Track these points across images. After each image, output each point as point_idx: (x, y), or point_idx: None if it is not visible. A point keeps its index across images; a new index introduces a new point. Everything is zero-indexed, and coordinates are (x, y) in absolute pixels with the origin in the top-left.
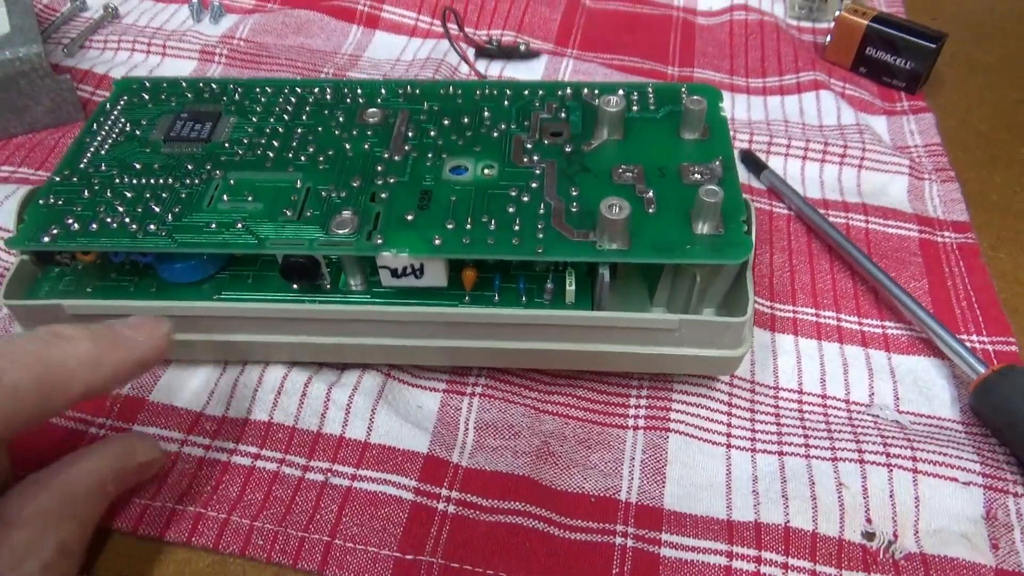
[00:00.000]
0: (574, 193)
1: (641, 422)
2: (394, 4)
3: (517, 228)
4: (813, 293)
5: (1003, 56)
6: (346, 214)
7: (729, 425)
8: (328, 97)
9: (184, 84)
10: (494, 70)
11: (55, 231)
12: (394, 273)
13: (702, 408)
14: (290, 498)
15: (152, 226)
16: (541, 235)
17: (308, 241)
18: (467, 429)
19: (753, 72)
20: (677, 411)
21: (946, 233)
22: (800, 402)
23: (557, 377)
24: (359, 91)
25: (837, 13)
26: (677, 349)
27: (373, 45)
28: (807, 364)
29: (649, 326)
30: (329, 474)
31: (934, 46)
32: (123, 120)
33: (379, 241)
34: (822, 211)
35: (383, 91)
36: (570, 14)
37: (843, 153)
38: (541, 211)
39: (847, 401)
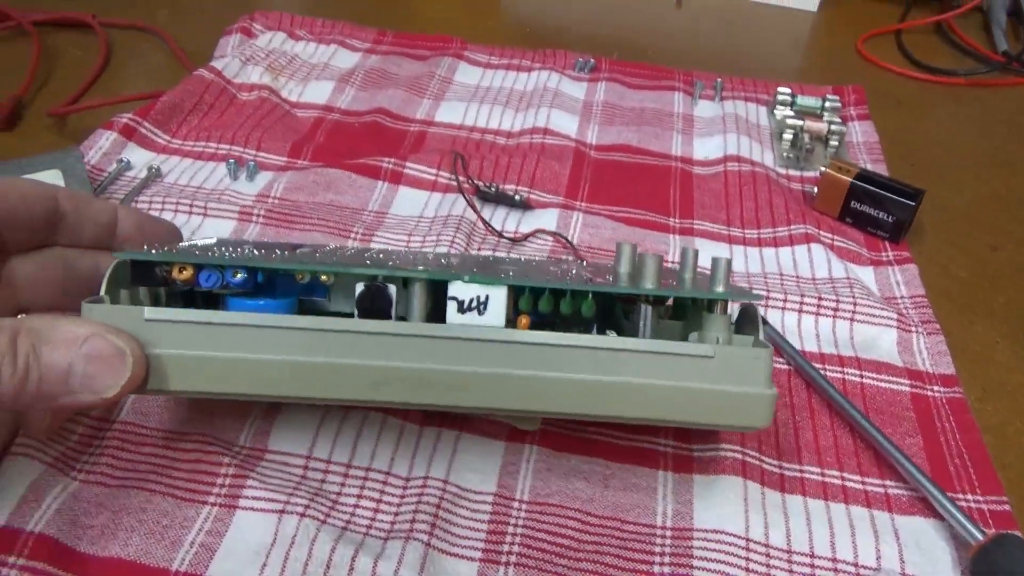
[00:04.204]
0: (607, 277)
1: None
2: (415, 161)
3: (569, 279)
4: (817, 451)
5: (975, 201)
6: (420, 266)
7: None
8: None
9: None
10: (511, 224)
11: (159, 249)
12: (460, 307)
13: (721, 575)
14: None
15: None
16: (586, 278)
17: (388, 266)
18: None
19: (748, 223)
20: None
21: (935, 387)
22: (812, 566)
23: (584, 543)
24: (410, 255)
25: (823, 169)
26: (711, 384)
27: (397, 201)
28: (816, 526)
29: (687, 351)
30: None
31: (913, 203)
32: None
33: (453, 269)
34: (819, 365)
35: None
36: (577, 167)
37: (836, 307)
38: (585, 277)
39: (856, 565)
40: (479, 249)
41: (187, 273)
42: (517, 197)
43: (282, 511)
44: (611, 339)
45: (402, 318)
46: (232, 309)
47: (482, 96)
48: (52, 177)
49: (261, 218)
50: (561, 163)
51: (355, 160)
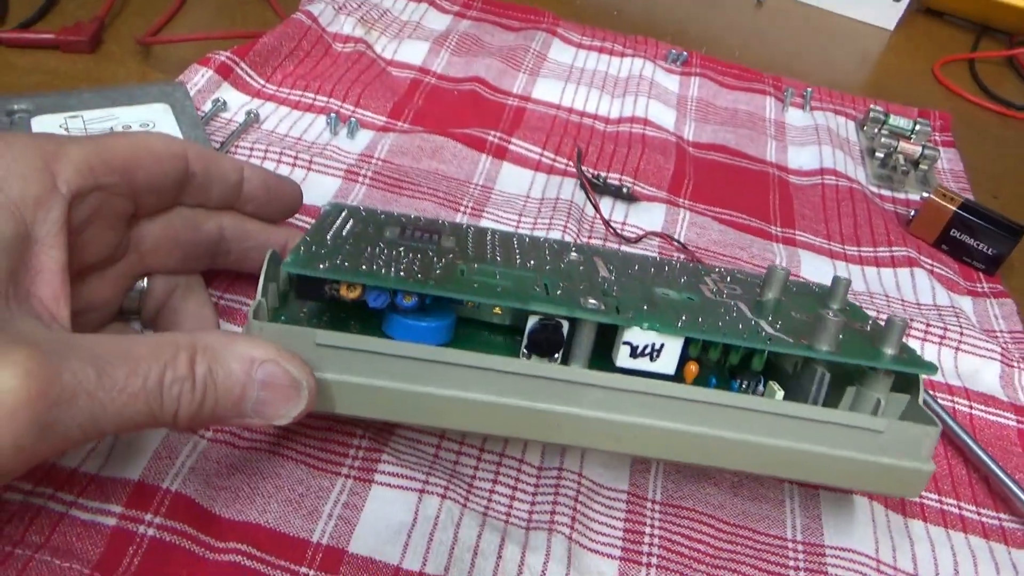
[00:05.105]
0: (770, 319)
1: None
2: (520, 138)
3: (741, 327)
4: (934, 478)
5: None
6: (591, 299)
7: None
8: (527, 241)
9: (396, 213)
10: (617, 215)
11: (327, 264)
12: (633, 352)
13: None
14: None
15: (419, 276)
16: (762, 335)
17: (568, 307)
18: None
19: (848, 240)
20: None
21: None
22: None
23: (720, 550)
24: (554, 243)
25: (925, 194)
26: (876, 456)
27: (502, 177)
28: (941, 553)
29: (859, 424)
30: None
31: (1015, 238)
32: (352, 221)
33: (630, 315)
34: (931, 392)
35: (573, 247)
36: (680, 162)
37: (943, 335)
38: (753, 323)
39: None
40: (589, 238)
41: (356, 292)
42: (624, 189)
43: (422, 490)
44: (786, 404)
45: (567, 352)
46: (390, 324)
47: (577, 77)
48: (161, 112)
49: (368, 179)
50: (665, 157)
51: (459, 129)
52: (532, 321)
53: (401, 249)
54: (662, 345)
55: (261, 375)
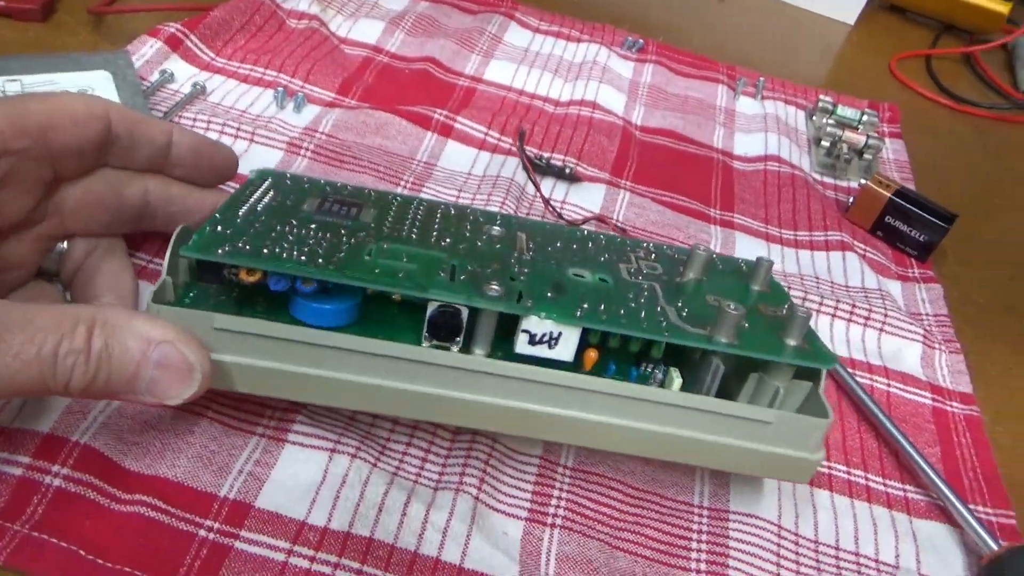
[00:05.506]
0: (679, 304)
1: (703, 566)
2: (467, 117)
3: (643, 316)
4: (844, 451)
5: (997, 232)
6: (493, 284)
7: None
8: (453, 212)
9: (322, 181)
10: (558, 193)
11: (227, 248)
12: (531, 339)
13: (755, 557)
14: None
15: (320, 261)
16: (663, 323)
17: (467, 295)
18: (548, 560)
19: (785, 224)
20: (734, 558)
21: (955, 403)
22: (837, 558)
23: (625, 513)
24: (479, 215)
25: (863, 181)
26: (765, 446)
27: (445, 154)
28: (843, 521)
29: (748, 415)
30: None
31: (947, 225)
32: (272, 192)
33: (529, 304)
34: (850, 370)
35: (499, 218)
36: (625, 145)
37: (867, 316)
38: (658, 310)
39: (876, 561)
40: (528, 214)
41: (256, 276)
42: (567, 170)
43: (333, 450)
44: (677, 395)
45: (470, 336)
46: (295, 306)
47: (531, 60)
48: (102, 79)
49: (310, 152)
50: (610, 139)
51: (405, 107)
52: (432, 307)
53: (313, 227)
54: (560, 334)
55: (157, 355)
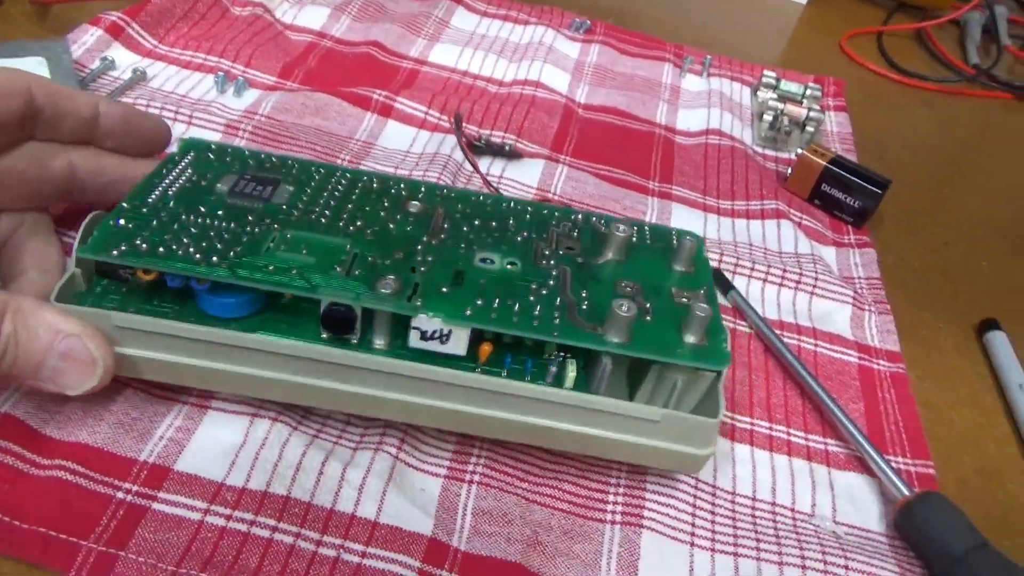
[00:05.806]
0: (584, 295)
1: (618, 517)
2: (408, 97)
3: (537, 313)
4: (768, 408)
5: (934, 200)
6: (390, 278)
7: (693, 525)
8: (375, 185)
9: (246, 152)
10: (496, 169)
11: (124, 248)
12: (423, 335)
13: (671, 508)
14: (304, 571)
15: (215, 259)
16: (557, 321)
17: (356, 294)
18: (465, 514)
19: (724, 194)
20: (649, 509)
21: (881, 361)
22: (753, 508)
23: (545, 470)
24: (402, 186)
25: (799, 151)
26: (655, 441)
27: (385, 134)
28: (760, 473)
29: (635, 414)
30: (341, 550)
31: (880, 192)
32: (190, 171)
33: (418, 303)
34: (778, 331)
35: (423, 189)
36: (566, 122)
37: (798, 280)
38: (557, 303)
39: (792, 510)
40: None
41: (152, 276)
42: (507, 147)
43: (255, 415)
44: (564, 394)
45: (368, 327)
46: (199, 299)
47: (477, 43)
48: (36, 65)
49: (247, 134)
50: (550, 116)
51: (347, 88)
52: (324, 304)
53: (220, 213)
54: (450, 331)
55: (63, 347)
